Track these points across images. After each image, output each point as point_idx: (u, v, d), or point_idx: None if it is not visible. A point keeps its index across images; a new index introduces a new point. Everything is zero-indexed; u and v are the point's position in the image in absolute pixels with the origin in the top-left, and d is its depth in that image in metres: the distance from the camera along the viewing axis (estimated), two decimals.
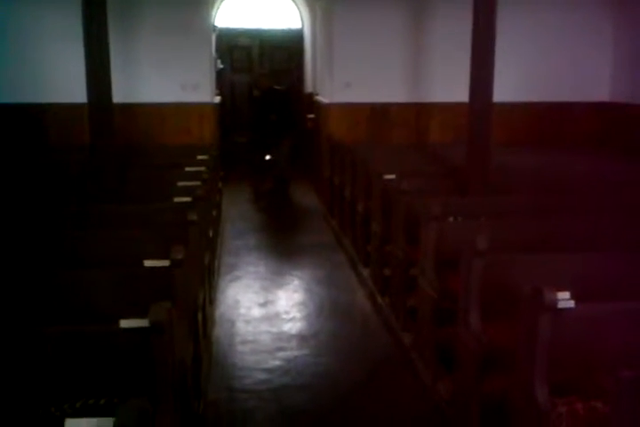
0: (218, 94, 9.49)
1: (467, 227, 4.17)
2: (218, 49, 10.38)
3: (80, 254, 3.75)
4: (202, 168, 6.03)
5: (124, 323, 2.42)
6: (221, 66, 11.02)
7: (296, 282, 6.31)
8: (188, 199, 4.64)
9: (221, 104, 9.76)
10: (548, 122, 8.67)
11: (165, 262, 3.15)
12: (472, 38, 5.02)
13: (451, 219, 4.38)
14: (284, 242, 7.74)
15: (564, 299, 2.65)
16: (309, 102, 10.49)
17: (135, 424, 1.64)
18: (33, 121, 8.20)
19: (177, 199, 4.63)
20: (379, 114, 8.49)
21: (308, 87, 11.06)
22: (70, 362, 2.63)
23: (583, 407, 2.55)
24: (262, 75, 9.91)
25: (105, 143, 4.85)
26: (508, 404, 2.98)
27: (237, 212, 8.78)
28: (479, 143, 5.19)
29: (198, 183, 5.26)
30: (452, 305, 3.93)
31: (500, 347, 3.23)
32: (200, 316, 4.13)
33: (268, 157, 9.11)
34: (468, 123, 5.32)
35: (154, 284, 3.21)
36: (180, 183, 5.28)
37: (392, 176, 5.52)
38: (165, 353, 2.38)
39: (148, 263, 3.16)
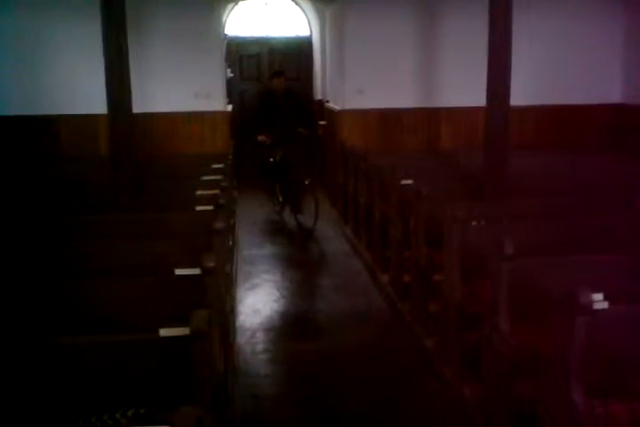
0: (228, 103, 9.50)
1: (490, 231, 4.18)
2: (227, 57, 10.41)
3: (104, 264, 3.77)
4: (219, 177, 6.05)
5: (164, 332, 2.43)
6: (231, 74, 11.06)
7: (314, 290, 6.33)
8: (209, 208, 4.67)
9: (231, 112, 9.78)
10: (562, 125, 8.67)
11: (196, 270, 3.16)
12: (489, 43, 5.05)
13: (474, 223, 4.39)
14: (299, 250, 7.74)
15: (598, 300, 2.65)
16: (319, 109, 10.51)
17: None
18: (46, 132, 8.24)
19: (199, 208, 4.65)
20: (390, 120, 8.51)
21: (318, 94, 11.09)
22: (104, 372, 2.65)
23: (622, 409, 2.55)
24: (276, 73, 8.81)
25: (125, 153, 4.87)
26: (541, 407, 2.98)
27: (250, 220, 8.79)
28: (496, 147, 5.20)
29: (217, 192, 5.27)
30: (477, 309, 3.94)
31: (530, 350, 3.24)
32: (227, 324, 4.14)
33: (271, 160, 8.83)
34: (484, 127, 5.34)
35: (184, 292, 3.23)
36: (199, 192, 5.31)
37: (409, 182, 5.54)
38: (206, 361, 2.39)
39: (179, 272, 3.17)
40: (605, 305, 2.67)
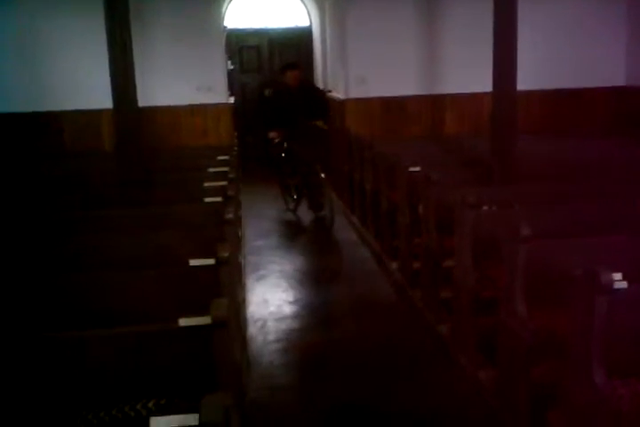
0: (229, 95, 9.49)
1: (502, 215, 4.17)
2: (227, 50, 10.39)
3: (116, 257, 3.76)
4: (225, 168, 6.04)
5: (183, 321, 2.42)
6: (231, 67, 11.04)
7: (323, 279, 6.31)
8: (218, 199, 4.66)
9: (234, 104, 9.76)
10: (565, 109, 8.65)
11: (211, 261, 3.15)
12: (494, 27, 5.02)
13: (485, 208, 4.37)
14: (306, 240, 7.74)
15: (618, 280, 2.64)
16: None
17: (221, 420, 1.64)
18: (50, 129, 8.24)
19: (208, 199, 4.64)
20: (394, 107, 8.48)
21: (319, 84, 11.05)
22: (123, 364, 2.64)
23: None
24: (289, 65, 8.23)
25: (131, 147, 4.86)
26: (560, 390, 2.98)
27: (255, 211, 8.77)
28: (504, 132, 5.19)
29: (224, 183, 5.26)
30: (491, 294, 3.93)
31: (548, 332, 3.23)
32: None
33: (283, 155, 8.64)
34: (491, 112, 5.33)
35: (198, 283, 3.22)
36: (207, 184, 5.30)
37: (417, 168, 5.53)
38: (228, 349, 2.38)
39: (193, 262, 3.16)
40: (625, 285, 2.66)
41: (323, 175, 7.72)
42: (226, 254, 3.11)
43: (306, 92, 8.10)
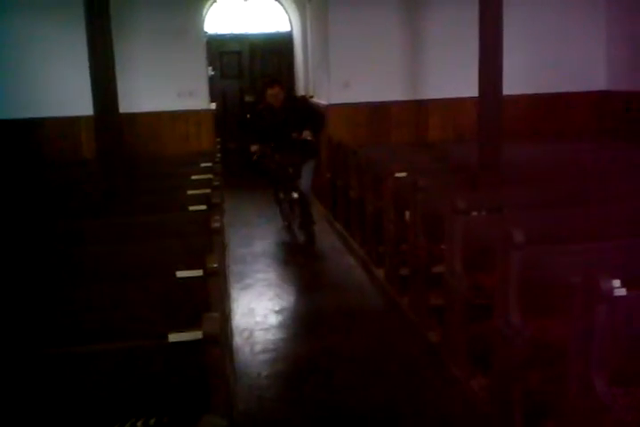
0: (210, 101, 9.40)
1: (491, 220, 4.13)
2: (207, 56, 10.30)
3: (102, 268, 3.67)
4: (208, 176, 5.96)
5: (173, 337, 2.33)
6: (212, 72, 10.95)
7: (309, 288, 6.23)
8: (203, 207, 4.57)
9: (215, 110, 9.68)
10: (548, 113, 8.66)
11: (199, 272, 3.06)
12: (480, 34, 5.00)
13: (474, 213, 4.33)
14: (290, 248, 7.65)
15: (617, 287, 2.60)
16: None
17: None
18: (27, 136, 8.09)
19: (192, 208, 4.55)
20: (378, 113, 8.44)
21: (300, 90, 11.01)
22: (111, 382, 2.55)
23: None
24: (269, 82, 7.49)
25: (115, 155, 4.76)
26: (557, 399, 2.93)
27: (238, 219, 8.68)
28: (490, 137, 5.16)
29: (208, 191, 5.18)
30: (483, 301, 3.88)
31: (544, 340, 3.18)
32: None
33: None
34: (478, 117, 5.30)
35: (184, 295, 3.13)
36: (191, 192, 5.22)
37: (403, 174, 5.48)
38: (220, 365, 2.30)
39: (180, 274, 3.07)
40: (624, 292, 2.61)
41: (295, 195, 7.47)
42: (214, 265, 3.03)
43: (293, 109, 7.39)
